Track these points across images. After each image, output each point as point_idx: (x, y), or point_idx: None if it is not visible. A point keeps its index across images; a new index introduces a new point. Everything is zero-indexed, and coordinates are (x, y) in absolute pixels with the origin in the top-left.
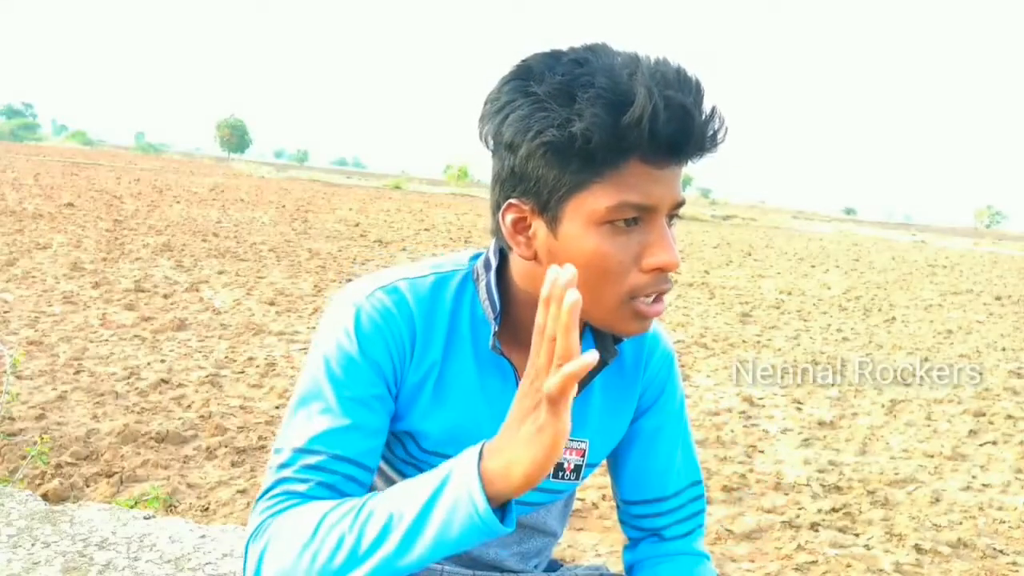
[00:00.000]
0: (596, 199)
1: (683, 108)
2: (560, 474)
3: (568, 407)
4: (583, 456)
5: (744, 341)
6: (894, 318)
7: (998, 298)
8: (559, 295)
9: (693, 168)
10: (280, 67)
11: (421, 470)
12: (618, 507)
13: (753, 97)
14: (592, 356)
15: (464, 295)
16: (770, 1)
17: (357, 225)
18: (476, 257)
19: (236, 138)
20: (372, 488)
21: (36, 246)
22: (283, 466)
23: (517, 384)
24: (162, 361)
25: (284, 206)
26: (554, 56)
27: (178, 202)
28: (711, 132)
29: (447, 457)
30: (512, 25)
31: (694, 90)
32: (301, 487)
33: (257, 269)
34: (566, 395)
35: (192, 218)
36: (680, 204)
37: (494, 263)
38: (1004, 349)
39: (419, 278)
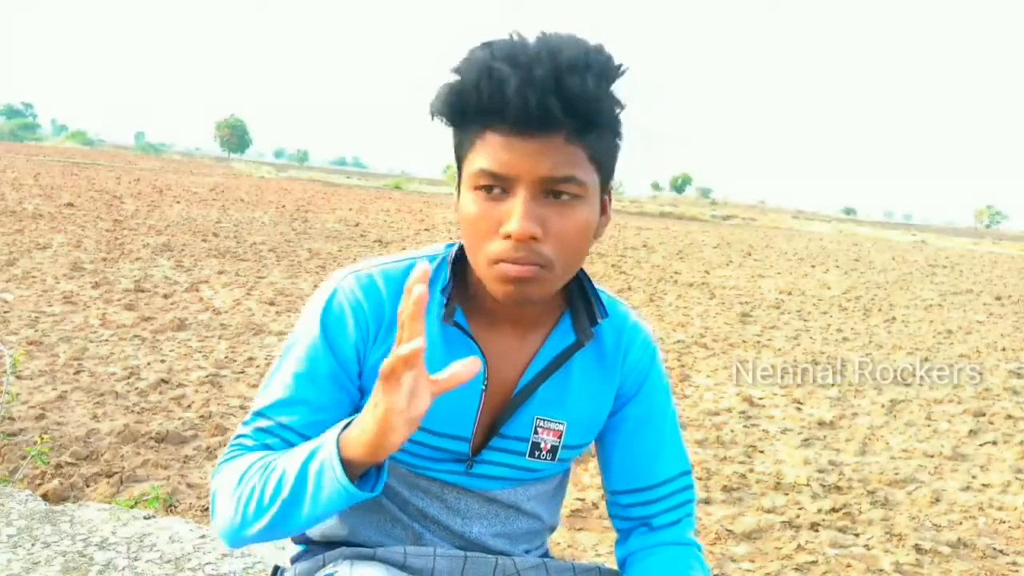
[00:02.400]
0: (469, 164)
1: (519, 81)
2: (536, 453)
3: (402, 388)
4: (560, 437)
5: (744, 341)
6: (894, 318)
7: (998, 298)
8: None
9: (693, 168)
10: (280, 67)
11: None
12: (608, 500)
13: (753, 97)
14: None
15: (437, 277)
16: (770, 1)
17: (357, 225)
18: (455, 244)
19: (236, 138)
20: None
21: (36, 246)
22: (245, 423)
23: (484, 362)
24: (162, 361)
25: (284, 206)
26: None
27: (178, 202)
28: (557, 107)
29: None
30: (513, 25)
31: (550, 66)
32: (249, 443)
33: (257, 269)
34: (396, 375)
35: (192, 218)
36: (552, 180)
37: (462, 241)
38: (1004, 349)
39: (394, 262)
